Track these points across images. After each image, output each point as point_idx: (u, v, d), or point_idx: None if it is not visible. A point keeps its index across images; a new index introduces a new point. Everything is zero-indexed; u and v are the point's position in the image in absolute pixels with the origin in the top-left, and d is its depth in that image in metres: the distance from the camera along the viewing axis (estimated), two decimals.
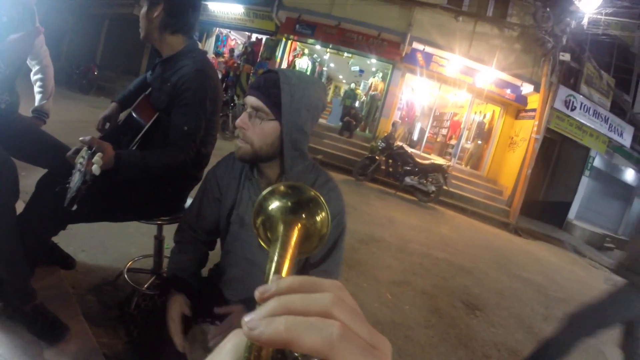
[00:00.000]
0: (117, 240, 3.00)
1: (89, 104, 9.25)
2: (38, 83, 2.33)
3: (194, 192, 1.90)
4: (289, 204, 0.46)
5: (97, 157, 1.49)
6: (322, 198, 0.46)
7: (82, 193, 1.49)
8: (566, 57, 10.45)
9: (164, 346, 1.43)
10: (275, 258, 0.40)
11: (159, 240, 2.33)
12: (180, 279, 1.44)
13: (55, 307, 1.81)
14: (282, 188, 0.47)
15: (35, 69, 2.32)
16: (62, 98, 5.20)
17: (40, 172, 1.83)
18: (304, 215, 0.45)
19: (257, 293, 0.33)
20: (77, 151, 1.66)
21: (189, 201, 2.22)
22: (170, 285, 1.43)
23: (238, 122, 1.30)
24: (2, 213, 1.62)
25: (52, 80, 2.38)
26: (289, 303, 0.30)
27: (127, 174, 1.68)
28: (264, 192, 0.47)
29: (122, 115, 2.03)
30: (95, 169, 1.47)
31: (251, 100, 1.29)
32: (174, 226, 2.19)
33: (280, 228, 0.44)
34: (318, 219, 0.46)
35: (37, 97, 2.34)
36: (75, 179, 1.55)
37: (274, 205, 0.47)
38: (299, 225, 0.45)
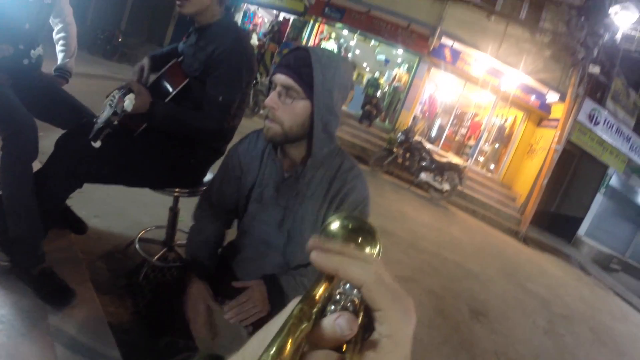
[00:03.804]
0: (131, 208, 2.98)
1: (109, 70, 9.18)
2: (61, 42, 2.28)
3: (215, 166, 1.87)
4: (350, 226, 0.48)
5: (130, 95, 1.52)
6: (378, 233, 0.47)
7: (110, 127, 1.48)
8: (596, 69, 10.23)
9: (170, 320, 1.40)
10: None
11: (174, 212, 2.29)
12: (200, 264, 1.42)
13: (64, 271, 1.78)
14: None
15: (57, 27, 2.27)
16: (83, 61, 5.16)
17: (59, 133, 1.81)
18: (359, 240, 0.47)
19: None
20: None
21: (208, 175, 2.18)
22: (190, 270, 1.41)
23: (267, 101, 1.25)
24: (20, 172, 1.60)
25: (75, 38, 2.33)
26: (343, 250, 0.36)
27: (159, 124, 1.70)
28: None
29: (151, 78, 2.00)
30: (127, 104, 1.50)
31: (281, 78, 1.23)
32: (190, 199, 2.17)
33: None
34: (369, 249, 0.46)
35: (60, 55, 2.29)
36: (105, 114, 1.54)
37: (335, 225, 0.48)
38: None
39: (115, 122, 1.54)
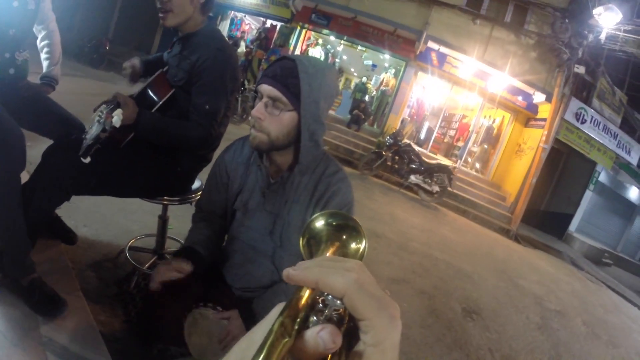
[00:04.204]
0: (119, 216, 2.97)
1: (97, 78, 9.14)
2: (45, 49, 2.29)
3: (202, 174, 1.88)
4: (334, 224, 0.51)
5: (117, 110, 1.54)
6: (363, 228, 0.51)
7: (99, 142, 1.49)
8: (581, 69, 10.32)
9: (162, 328, 1.40)
10: None
11: (163, 220, 2.29)
12: (193, 250, 1.40)
13: (54, 281, 1.77)
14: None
15: (41, 34, 2.27)
16: (70, 70, 5.07)
17: (47, 143, 1.80)
18: (343, 237, 0.50)
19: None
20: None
21: (197, 183, 2.19)
22: (182, 254, 1.40)
23: (254, 112, 1.26)
24: (7, 182, 1.58)
25: (59, 45, 2.33)
26: (321, 262, 0.38)
27: (145, 133, 1.71)
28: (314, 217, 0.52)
29: (136, 88, 2.01)
30: (116, 120, 1.52)
31: (267, 89, 1.24)
32: (179, 207, 2.18)
33: (322, 245, 0.48)
34: (354, 245, 0.50)
35: (45, 63, 2.30)
36: (93, 130, 1.55)
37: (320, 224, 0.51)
38: (337, 245, 0.49)
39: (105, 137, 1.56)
